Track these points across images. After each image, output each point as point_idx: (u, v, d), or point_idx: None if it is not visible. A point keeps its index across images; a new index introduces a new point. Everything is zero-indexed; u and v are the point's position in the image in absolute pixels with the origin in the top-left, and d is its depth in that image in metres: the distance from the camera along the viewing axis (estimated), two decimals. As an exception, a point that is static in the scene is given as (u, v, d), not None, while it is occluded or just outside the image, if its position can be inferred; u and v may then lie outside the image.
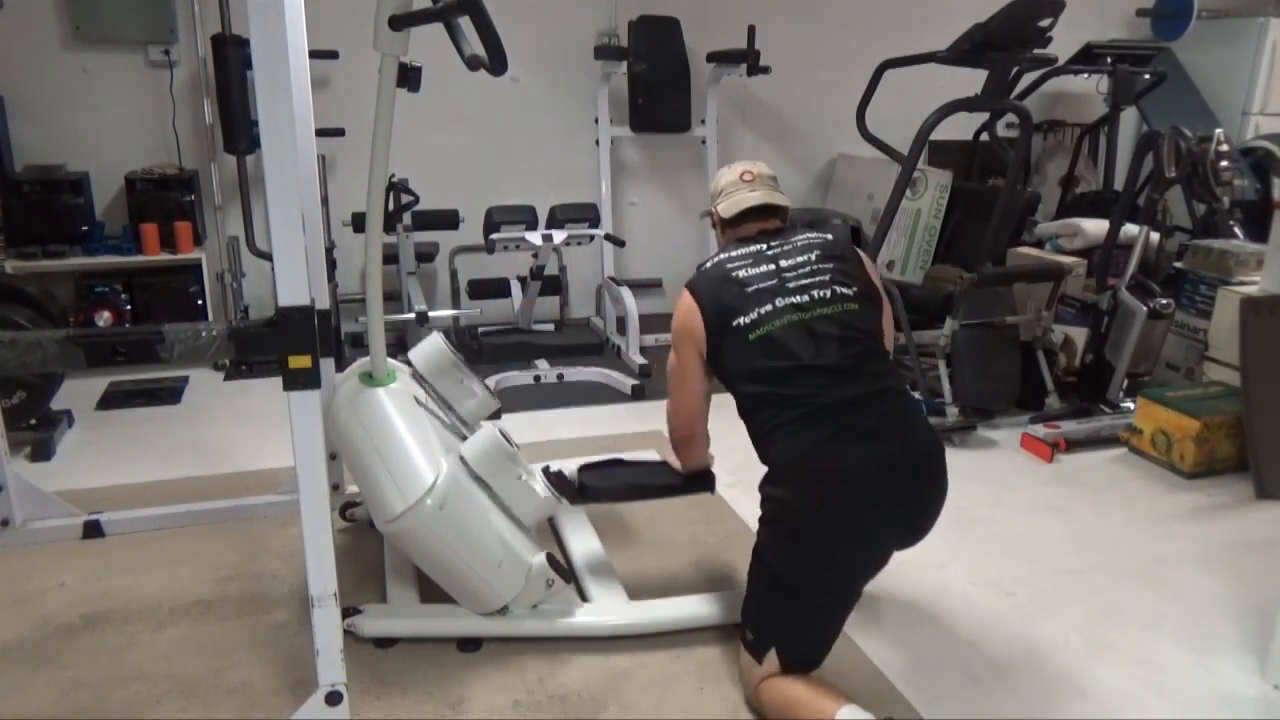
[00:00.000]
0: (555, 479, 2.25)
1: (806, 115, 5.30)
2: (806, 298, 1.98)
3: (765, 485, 1.96)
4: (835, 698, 1.80)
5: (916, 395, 3.58)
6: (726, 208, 2.21)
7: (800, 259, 2.05)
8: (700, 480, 2.35)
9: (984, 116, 4.82)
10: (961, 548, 2.66)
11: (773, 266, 2.04)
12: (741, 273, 2.04)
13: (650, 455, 2.57)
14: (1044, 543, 2.75)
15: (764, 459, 1.98)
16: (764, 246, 2.10)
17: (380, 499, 2.02)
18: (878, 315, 2.06)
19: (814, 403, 1.89)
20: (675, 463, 2.33)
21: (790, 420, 1.90)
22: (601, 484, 2.35)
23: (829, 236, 2.14)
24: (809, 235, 2.13)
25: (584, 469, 2.36)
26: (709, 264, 2.12)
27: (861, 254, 2.15)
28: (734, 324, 1.98)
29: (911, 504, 1.93)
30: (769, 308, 1.97)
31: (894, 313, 2.34)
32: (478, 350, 2.29)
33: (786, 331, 1.94)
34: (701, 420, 2.19)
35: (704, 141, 4.89)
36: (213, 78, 4.06)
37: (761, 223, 2.19)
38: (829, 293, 1.99)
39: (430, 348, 2.46)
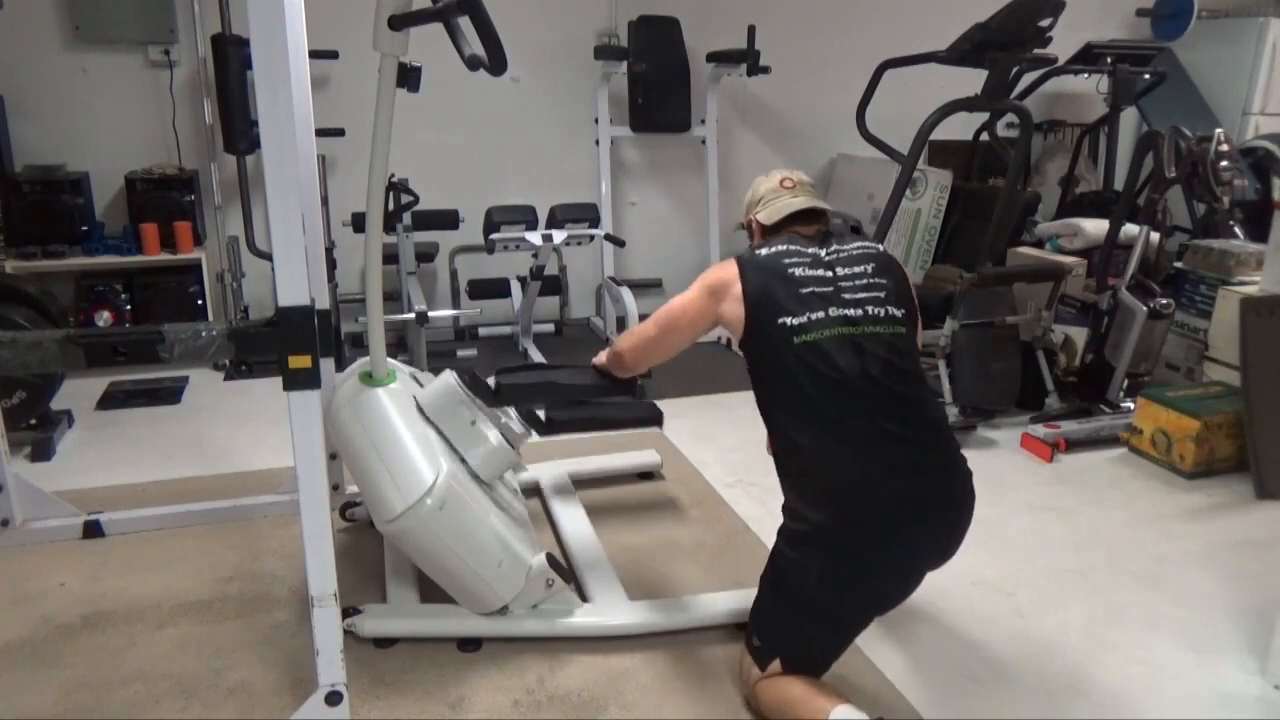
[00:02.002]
0: (471, 381, 2.14)
1: (806, 115, 5.30)
2: (860, 312, 1.91)
3: (797, 501, 1.90)
4: (831, 697, 1.80)
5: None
6: (768, 214, 2.15)
7: (857, 269, 1.98)
8: (623, 385, 2.30)
9: (984, 116, 4.82)
10: (962, 547, 2.65)
11: (829, 273, 1.97)
12: (798, 271, 1.96)
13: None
14: (1044, 543, 2.75)
15: (794, 468, 1.93)
16: (821, 251, 2.03)
17: (380, 499, 2.01)
18: (916, 336, 2.01)
19: (854, 421, 1.84)
20: (604, 363, 2.27)
21: (829, 435, 1.85)
22: (518, 383, 2.28)
23: (881, 248, 2.07)
24: (864, 244, 2.06)
25: (502, 371, 2.31)
26: (764, 251, 2.02)
27: (906, 271, 2.08)
28: (780, 322, 1.90)
29: (948, 533, 1.91)
30: (821, 315, 1.89)
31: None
32: (494, 392, 2.23)
33: (834, 343, 1.87)
34: (655, 364, 2.17)
35: (704, 141, 4.90)
36: (213, 78, 4.06)
37: (804, 227, 2.13)
38: (883, 311, 1.93)
39: (440, 388, 2.22)
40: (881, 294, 1.95)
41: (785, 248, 2.02)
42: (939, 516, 1.89)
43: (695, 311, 2.02)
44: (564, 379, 2.37)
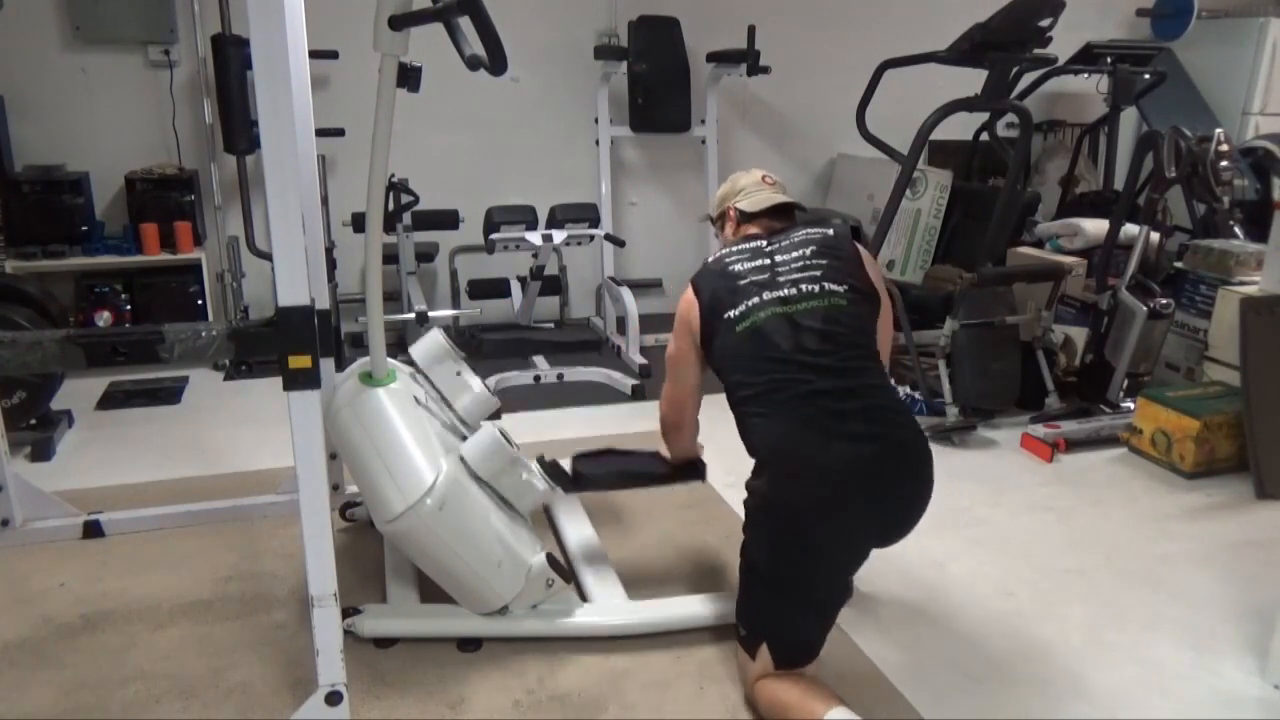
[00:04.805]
0: (550, 468, 2.31)
1: (807, 115, 5.30)
2: (794, 291, 1.99)
3: (749, 479, 1.97)
4: (825, 699, 1.80)
5: (916, 395, 3.58)
6: (752, 203, 2.25)
7: (795, 254, 2.07)
8: (690, 469, 2.41)
9: (984, 116, 4.83)
10: (961, 548, 2.66)
11: (767, 261, 2.07)
12: (737, 266, 2.07)
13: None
14: (1044, 543, 2.75)
15: (748, 452, 1.99)
16: (763, 243, 2.13)
17: (380, 499, 2.02)
18: (869, 313, 2.05)
19: (790, 395, 1.90)
20: (666, 452, 2.39)
21: (767, 411, 1.92)
22: (595, 472, 2.42)
23: (829, 232, 2.14)
24: (808, 231, 2.14)
25: (579, 458, 2.43)
26: (711, 259, 2.17)
27: (863, 252, 2.14)
28: (725, 316, 2.01)
29: (889, 502, 1.93)
30: (756, 300, 1.99)
31: (894, 313, 2.35)
32: (477, 347, 2.35)
33: (770, 323, 1.96)
34: (691, 410, 2.25)
35: (704, 141, 4.89)
36: (213, 78, 4.06)
37: (777, 222, 2.24)
38: (817, 288, 2.00)
39: (429, 341, 2.48)
40: (818, 272, 2.03)
41: (729, 249, 2.15)
42: (877, 484, 1.88)
43: (683, 348, 2.15)
44: (637, 468, 2.48)
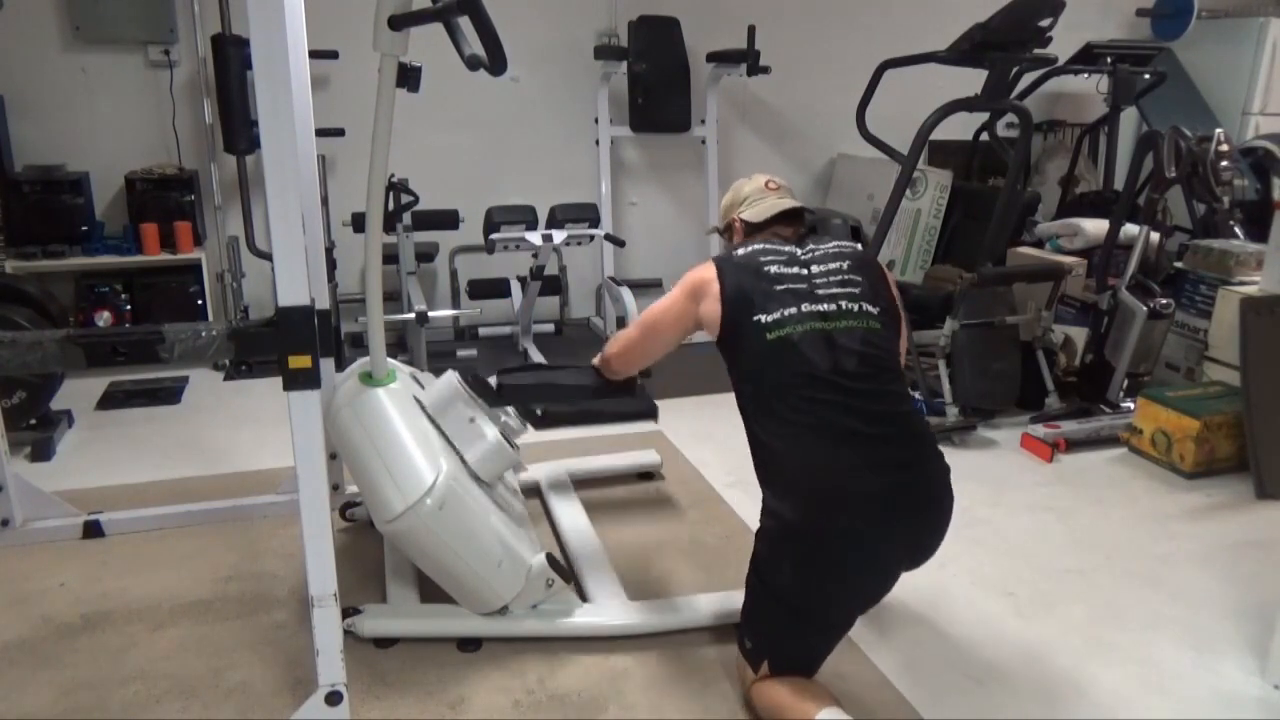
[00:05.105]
0: (474, 383, 2.25)
1: (806, 115, 5.30)
2: (833, 307, 1.93)
3: (769, 498, 1.92)
4: (817, 700, 1.79)
5: (916, 395, 3.58)
6: (755, 213, 2.21)
7: (832, 266, 2.01)
8: (622, 385, 2.35)
9: (984, 116, 4.83)
10: (962, 548, 2.66)
11: (804, 270, 2.00)
12: (773, 269, 1.99)
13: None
14: (1044, 543, 2.75)
15: (765, 465, 1.94)
16: (797, 250, 2.07)
17: (380, 499, 2.02)
18: (896, 335, 2.00)
19: (824, 416, 1.84)
20: (600, 367, 2.34)
21: (795, 431, 1.86)
22: (520, 384, 2.38)
23: (858, 247, 2.10)
24: (840, 244, 2.09)
25: (503, 372, 2.39)
26: (741, 252, 2.08)
27: (887, 272, 2.10)
28: (754, 319, 1.93)
29: (919, 533, 1.91)
30: (793, 310, 1.92)
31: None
32: (496, 392, 2.32)
33: (806, 338, 1.89)
34: (640, 368, 2.25)
35: (704, 141, 4.90)
36: (213, 78, 4.06)
37: (785, 228, 2.20)
38: (857, 306, 1.94)
39: (441, 385, 2.30)
40: (856, 290, 1.97)
41: (762, 246, 2.07)
42: (910, 513, 1.87)
43: (676, 313, 2.08)
44: (564, 380, 2.43)
